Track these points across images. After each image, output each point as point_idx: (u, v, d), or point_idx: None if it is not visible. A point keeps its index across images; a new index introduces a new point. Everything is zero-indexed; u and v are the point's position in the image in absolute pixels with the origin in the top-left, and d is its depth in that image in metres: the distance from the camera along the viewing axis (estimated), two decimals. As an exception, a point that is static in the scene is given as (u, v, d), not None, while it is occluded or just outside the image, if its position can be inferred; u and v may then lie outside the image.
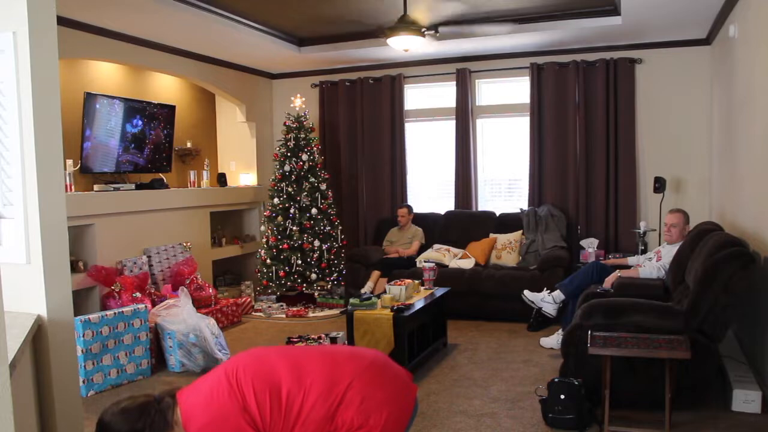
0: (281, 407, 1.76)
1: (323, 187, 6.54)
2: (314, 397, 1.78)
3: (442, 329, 5.04)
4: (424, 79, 7.13)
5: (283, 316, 6.21)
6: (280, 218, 6.41)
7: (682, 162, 6.25)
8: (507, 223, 6.50)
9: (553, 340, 4.86)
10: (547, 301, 5.14)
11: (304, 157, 6.45)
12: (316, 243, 6.35)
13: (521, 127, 6.77)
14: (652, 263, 4.73)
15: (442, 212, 6.90)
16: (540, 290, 5.27)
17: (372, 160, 7.27)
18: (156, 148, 6.15)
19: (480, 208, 6.96)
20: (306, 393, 1.79)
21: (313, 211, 6.37)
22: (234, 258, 7.22)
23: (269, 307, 6.35)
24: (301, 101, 6.67)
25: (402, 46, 5.24)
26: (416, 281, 4.94)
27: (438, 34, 5.24)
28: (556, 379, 3.46)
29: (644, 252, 5.77)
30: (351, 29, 6.12)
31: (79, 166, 5.33)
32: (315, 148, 6.57)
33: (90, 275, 5.02)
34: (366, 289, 6.01)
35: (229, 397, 1.75)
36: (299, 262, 6.33)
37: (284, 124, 6.62)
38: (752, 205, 4.17)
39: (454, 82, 6.89)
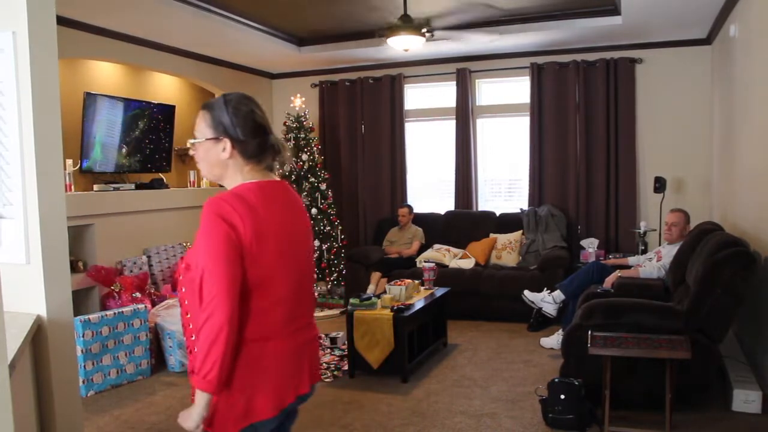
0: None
1: (323, 187, 6.53)
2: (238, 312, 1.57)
3: (442, 329, 5.03)
4: (424, 79, 7.12)
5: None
6: (280, 218, 6.38)
7: (682, 162, 6.24)
8: (507, 223, 6.50)
9: (554, 340, 4.86)
10: (547, 301, 5.13)
11: (304, 157, 6.44)
12: (316, 243, 6.34)
13: (521, 127, 6.76)
14: (652, 263, 4.73)
15: (442, 212, 6.90)
16: (540, 290, 5.27)
17: (372, 160, 7.26)
18: (156, 147, 6.15)
19: (480, 208, 6.96)
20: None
21: (313, 211, 6.36)
22: (234, 258, 7.20)
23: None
24: (301, 101, 6.65)
25: (402, 45, 5.24)
26: (416, 281, 4.93)
27: (434, 36, 5.24)
28: (556, 379, 3.46)
29: (644, 252, 5.77)
30: (351, 29, 6.11)
31: (78, 166, 5.33)
32: (315, 148, 6.56)
33: (90, 275, 5.01)
34: (369, 292, 5.99)
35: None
36: (299, 262, 6.31)
37: (284, 124, 6.60)
38: (753, 205, 4.17)
39: (454, 82, 6.88)
